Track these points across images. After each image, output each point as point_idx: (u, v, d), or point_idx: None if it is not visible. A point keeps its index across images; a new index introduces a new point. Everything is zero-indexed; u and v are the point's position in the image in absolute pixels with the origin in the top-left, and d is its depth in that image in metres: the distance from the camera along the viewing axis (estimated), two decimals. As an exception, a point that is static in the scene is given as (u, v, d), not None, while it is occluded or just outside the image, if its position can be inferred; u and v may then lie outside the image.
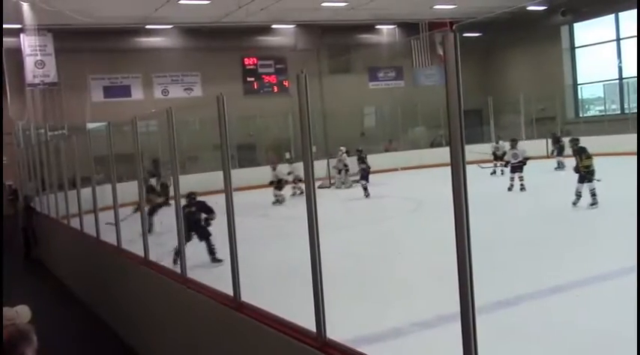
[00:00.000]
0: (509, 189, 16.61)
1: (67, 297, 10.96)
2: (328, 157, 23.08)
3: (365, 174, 19.15)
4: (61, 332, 8.26)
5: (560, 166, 20.94)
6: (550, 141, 23.69)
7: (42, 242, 14.97)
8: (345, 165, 21.56)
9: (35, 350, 2.60)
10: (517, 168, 16.66)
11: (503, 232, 10.50)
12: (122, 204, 8.66)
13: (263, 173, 20.03)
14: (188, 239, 8.83)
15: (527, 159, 16.89)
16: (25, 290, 10.54)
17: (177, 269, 6.27)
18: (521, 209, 13.89)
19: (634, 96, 27.18)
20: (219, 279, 5.51)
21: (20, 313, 2.68)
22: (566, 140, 19.42)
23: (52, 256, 13.85)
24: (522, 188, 16.35)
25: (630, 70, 27.63)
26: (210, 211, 10.15)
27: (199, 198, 10.65)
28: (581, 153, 13.59)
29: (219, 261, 9.65)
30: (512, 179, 16.73)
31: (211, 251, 10.20)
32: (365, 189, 18.44)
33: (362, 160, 19.95)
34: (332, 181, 22.70)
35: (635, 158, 12.82)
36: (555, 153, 22.01)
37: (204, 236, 10.28)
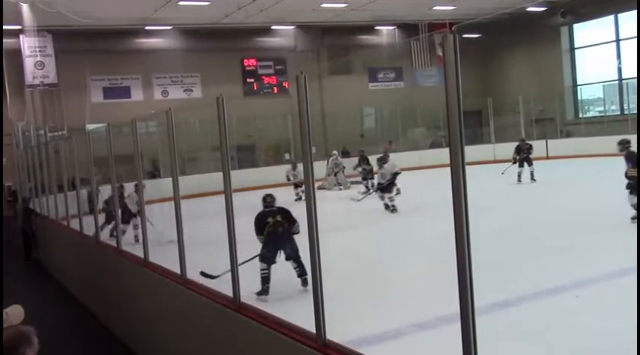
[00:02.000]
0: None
1: (67, 299, 10.95)
2: (328, 158, 23.10)
3: (366, 175, 18.98)
4: (60, 333, 8.27)
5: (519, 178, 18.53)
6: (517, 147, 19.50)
7: (41, 243, 14.96)
8: (343, 167, 21.56)
9: (36, 352, 2.60)
10: (385, 189, 15.03)
11: (504, 232, 10.51)
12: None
13: (263, 174, 20.06)
14: (272, 260, 7.86)
15: (396, 174, 15.21)
16: (24, 292, 10.55)
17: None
18: (521, 210, 13.90)
19: (634, 97, 27.20)
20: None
21: (11, 315, 2.68)
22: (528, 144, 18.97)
23: (51, 257, 13.84)
24: (393, 209, 14.57)
25: (630, 71, 27.64)
26: (294, 221, 8.00)
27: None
28: (632, 158, 10.89)
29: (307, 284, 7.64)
30: (382, 198, 14.92)
31: (303, 272, 7.85)
32: (367, 188, 18.18)
33: (366, 161, 19.81)
34: (323, 183, 22.58)
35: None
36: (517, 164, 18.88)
37: (294, 254, 7.90)
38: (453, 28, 28.34)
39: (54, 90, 24.87)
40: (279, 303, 7.46)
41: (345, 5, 25.10)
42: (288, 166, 19.75)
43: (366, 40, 31.13)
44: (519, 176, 18.00)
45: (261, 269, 7.79)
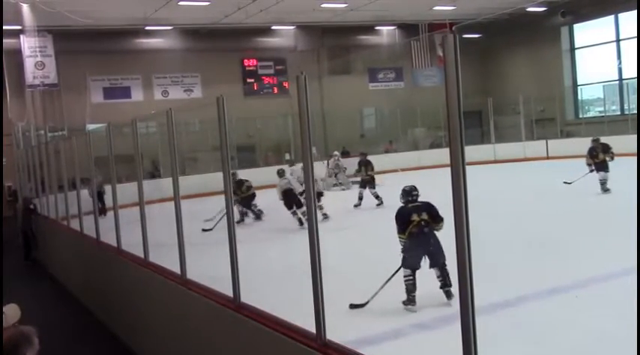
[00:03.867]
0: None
1: (67, 298, 10.95)
2: (328, 158, 23.10)
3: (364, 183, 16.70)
4: (60, 333, 8.27)
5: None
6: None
7: (41, 243, 14.97)
8: (344, 168, 21.52)
9: (36, 352, 2.60)
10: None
11: (504, 233, 10.51)
12: (122, 205, 8.65)
13: (263, 174, 20.01)
14: (417, 265, 6.89)
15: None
16: (24, 292, 10.56)
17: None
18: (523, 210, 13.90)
19: (634, 97, 27.19)
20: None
21: (8, 314, 2.68)
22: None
23: (51, 257, 13.85)
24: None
25: (630, 71, 27.64)
26: (440, 219, 6.82)
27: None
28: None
29: (451, 296, 6.82)
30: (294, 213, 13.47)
31: (446, 283, 6.86)
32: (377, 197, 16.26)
33: (370, 166, 17.25)
34: (322, 185, 22.57)
35: (634, 159, 12.81)
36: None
37: (442, 260, 6.83)
38: (453, 28, 28.35)
39: (54, 91, 24.90)
40: (280, 303, 7.46)
41: (345, 5, 25.12)
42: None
43: (366, 40, 31.15)
44: (603, 185, 14.37)
45: (405, 276, 6.88)
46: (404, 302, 6.84)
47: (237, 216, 13.48)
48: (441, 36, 24.29)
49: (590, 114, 30.62)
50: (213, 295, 5.36)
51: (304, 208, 12.73)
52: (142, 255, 7.18)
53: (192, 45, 27.66)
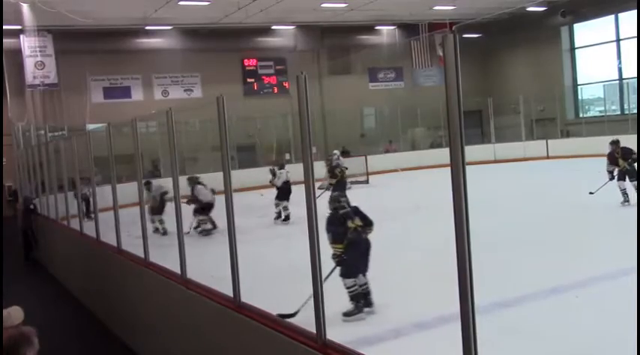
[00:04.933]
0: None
1: (67, 298, 10.95)
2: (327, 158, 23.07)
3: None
4: (60, 333, 8.27)
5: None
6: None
7: (41, 243, 14.97)
8: (345, 168, 21.48)
9: (36, 353, 2.60)
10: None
11: (504, 232, 10.51)
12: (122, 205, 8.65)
13: (263, 174, 19.97)
14: (357, 272, 6.75)
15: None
16: (24, 292, 10.56)
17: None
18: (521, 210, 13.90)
19: (634, 97, 27.20)
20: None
21: (12, 315, 2.68)
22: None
23: (51, 257, 13.85)
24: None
25: (630, 71, 27.65)
26: (370, 222, 6.91)
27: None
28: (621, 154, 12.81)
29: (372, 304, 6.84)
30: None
31: (367, 290, 6.83)
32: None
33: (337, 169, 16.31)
34: (323, 184, 22.58)
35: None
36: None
37: (366, 268, 6.84)
38: (453, 28, 28.36)
39: (54, 91, 24.91)
40: (280, 303, 7.46)
41: (345, 5, 25.12)
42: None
43: (366, 39, 31.16)
44: (625, 195, 12.57)
45: (348, 287, 6.64)
46: (351, 313, 6.56)
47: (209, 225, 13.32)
48: (441, 36, 24.23)
49: (591, 113, 30.61)
50: (213, 295, 5.36)
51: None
52: (141, 255, 7.18)
53: (192, 45, 27.66)
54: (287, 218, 14.18)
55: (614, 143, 13.09)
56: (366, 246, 6.75)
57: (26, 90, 23.84)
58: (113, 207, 8.49)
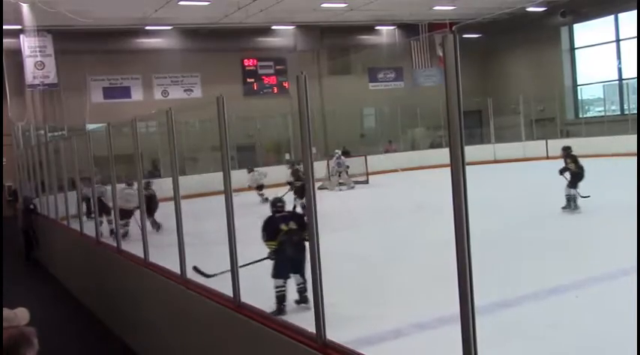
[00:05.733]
0: None
1: (67, 298, 10.95)
2: (328, 158, 23.11)
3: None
4: (60, 333, 8.26)
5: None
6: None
7: (41, 243, 14.97)
8: (347, 167, 21.53)
9: (36, 353, 2.60)
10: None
11: (504, 232, 10.51)
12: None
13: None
14: (288, 275, 7.10)
15: None
16: (24, 292, 10.56)
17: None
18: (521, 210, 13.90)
19: (634, 97, 27.20)
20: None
21: (19, 315, 2.68)
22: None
23: (51, 257, 13.85)
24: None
25: (630, 71, 27.66)
26: (305, 226, 6.73)
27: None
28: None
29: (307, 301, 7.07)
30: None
31: (305, 287, 7.15)
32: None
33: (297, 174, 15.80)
34: (324, 184, 22.64)
35: (634, 159, 12.81)
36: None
37: (302, 269, 7.07)
38: (453, 28, 28.37)
39: (54, 90, 24.91)
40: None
41: (345, 5, 25.12)
42: (250, 174, 19.42)
43: (366, 40, 31.16)
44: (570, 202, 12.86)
45: (276, 287, 7.04)
46: (272, 313, 6.39)
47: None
48: (441, 36, 24.28)
49: (590, 114, 30.63)
50: (213, 295, 5.36)
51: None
52: (141, 255, 7.18)
53: (192, 45, 27.66)
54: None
55: (565, 149, 13.67)
56: (298, 249, 6.99)
57: (26, 90, 23.83)
58: (113, 207, 8.49)
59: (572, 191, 12.75)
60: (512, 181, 19.20)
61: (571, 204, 12.70)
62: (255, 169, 19.81)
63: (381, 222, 13.64)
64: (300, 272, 7.11)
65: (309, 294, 6.04)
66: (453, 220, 2.65)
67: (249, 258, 6.66)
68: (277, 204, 7.57)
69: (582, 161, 15.16)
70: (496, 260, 8.01)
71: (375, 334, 6.21)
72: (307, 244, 6.92)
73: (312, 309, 3.79)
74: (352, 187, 21.37)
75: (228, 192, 4.94)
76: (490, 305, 6.29)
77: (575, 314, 6.49)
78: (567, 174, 12.94)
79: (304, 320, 4.00)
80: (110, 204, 11.70)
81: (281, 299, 6.99)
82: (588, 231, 10.80)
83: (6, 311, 2.65)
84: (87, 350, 8.09)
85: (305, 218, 7.01)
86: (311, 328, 3.80)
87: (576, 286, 7.44)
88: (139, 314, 7.45)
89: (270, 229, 7.20)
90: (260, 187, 18.66)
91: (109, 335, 8.34)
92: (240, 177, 17.90)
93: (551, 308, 6.70)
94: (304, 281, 7.12)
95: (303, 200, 14.42)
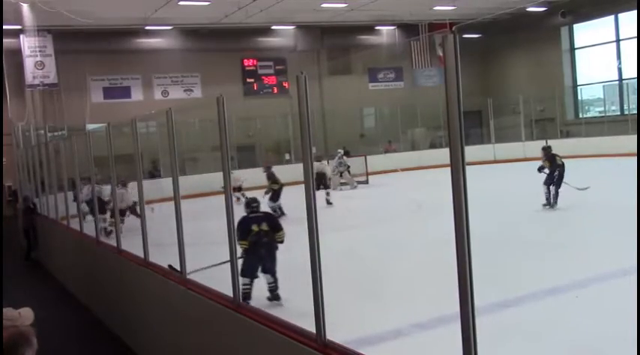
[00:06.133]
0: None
1: (66, 298, 10.96)
2: (328, 158, 23.11)
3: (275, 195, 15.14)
4: (59, 333, 8.27)
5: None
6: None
7: (41, 243, 14.98)
8: (348, 166, 21.53)
9: (35, 353, 2.59)
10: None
11: (503, 232, 10.51)
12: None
13: (263, 174, 19.92)
14: (255, 274, 7.37)
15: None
16: (24, 291, 10.56)
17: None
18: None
19: (634, 98, 27.21)
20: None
21: (23, 315, 2.68)
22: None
23: (51, 257, 13.85)
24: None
25: (630, 71, 27.66)
26: (279, 228, 7.60)
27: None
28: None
29: (279, 298, 7.53)
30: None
31: (276, 287, 7.54)
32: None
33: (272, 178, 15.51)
34: (328, 183, 22.68)
35: (634, 159, 12.82)
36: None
37: (273, 268, 7.48)
38: (453, 28, 28.36)
39: (54, 90, 24.90)
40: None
41: (345, 5, 25.12)
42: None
43: (366, 40, 31.16)
44: (549, 199, 13.42)
45: (243, 285, 7.00)
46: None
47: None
48: (441, 36, 24.27)
49: (590, 114, 30.63)
50: (212, 295, 5.36)
51: (329, 190, 17.24)
52: (141, 255, 7.18)
53: (192, 45, 27.66)
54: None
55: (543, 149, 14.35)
56: (267, 249, 7.38)
57: (26, 90, 23.83)
58: (113, 207, 8.49)
59: (552, 189, 13.29)
60: (512, 181, 19.18)
61: (550, 201, 13.23)
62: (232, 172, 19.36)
63: (380, 222, 13.65)
64: (270, 272, 7.40)
65: (308, 295, 6.12)
66: (452, 220, 2.65)
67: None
68: (252, 204, 7.76)
69: (582, 161, 15.18)
70: (496, 260, 8.01)
71: (375, 334, 6.21)
72: (279, 245, 7.44)
73: (313, 309, 3.79)
74: (355, 187, 21.37)
75: (227, 192, 4.94)
76: (490, 305, 6.30)
77: (575, 314, 6.49)
78: (546, 171, 13.56)
79: (304, 321, 4.00)
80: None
81: (245, 296, 7.00)
82: (587, 231, 10.80)
83: (10, 311, 2.65)
84: (86, 349, 8.09)
85: (275, 218, 7.55)
86: (311, 328, 3.80)
87: (576, 286, 7.45)
88: (139, 313, 7.46)
89: (242, 229, 7.36)
90: (237, 189, 18.03)
91: (108, 335, 8.34)
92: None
93: (550, 308, 6.70)
94: (275, 281, 7.43)
95: (277, 203, 14.68)
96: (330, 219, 13.75)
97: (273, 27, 28.66)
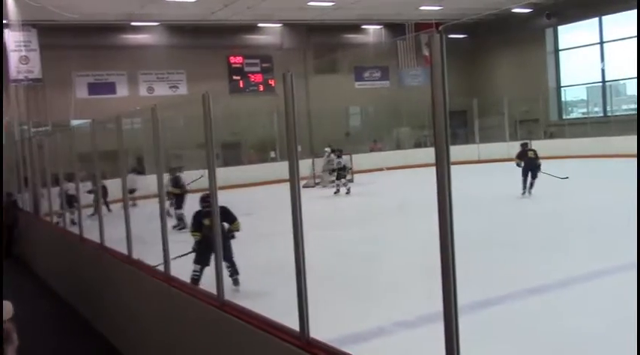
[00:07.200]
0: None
1: (49, 295, 10.88)
2: (313, 156, 23.14)
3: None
4: (42, 330, 8.21)
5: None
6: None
7: (23, 239, 14.85)
8: (344, 167, 21.48)
9: (15, 349, 2.58)
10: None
11: (488, 232, 10.57)
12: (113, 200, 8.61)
13: (247, 172, 19.96)
14: (207, 263, 7.68)
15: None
16: (5, 288, 10.47)
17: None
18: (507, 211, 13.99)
19: (616, 99, 27.50)
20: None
21: (3, 309, 2.66)
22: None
23: (33, 254, 13.74)
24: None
25: (613, 73, 27.91)
26: (233, 219, 8.13)
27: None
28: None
29: (238, 283, 8.25)
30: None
31: (234, 272, 8.23)
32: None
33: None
34: (317, 180, 22.77)
35: (616, 160, 12.93)
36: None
37: (228, 255, 8.00)
38: (439, 28, 28.45)
39: (38, 86, 24.64)
40: (262, 299, 7.47)
41: (331, 4, 25.14)
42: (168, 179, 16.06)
43: (352, 39, 31.18)
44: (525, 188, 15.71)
45: (194, 271, 7.95)
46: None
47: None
48: (427, 36, 24.32)
49: (574, 115, 30.87)
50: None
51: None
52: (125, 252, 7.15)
53: (178, 41, 27.53)
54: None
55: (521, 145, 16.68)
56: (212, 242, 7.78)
57: (10, 84, 23.60)
58: (97, 203, 8.45)
59: (528, 180, 15.38)
60: (496, 181, 19.31)
61: (525, 190, 15.40)
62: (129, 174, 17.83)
63: (365, 220, 13.68)
64: (226, 259, 7.69)
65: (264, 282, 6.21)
66: (437, 219, 2.67)
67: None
68: (207, 199, 7.94)
69: (565, 162, 15.40)
70: (480, 259, 8.06)
71: (359, 332, 6.23)
72: (234, 234, 8.07)
73: (297, 305, 3.80)
74: (349, 184, 21.26)
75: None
76: (473, 303, 6.34)
77: (558, 313, 6.54)
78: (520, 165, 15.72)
79: (288, 318, 4.00)
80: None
81: (194, 282, 7.61)
82: (573, 230, 10.88)
83: None
84: (68, 347, 8.04)
85: (228, 210, 7.83)
86: (295, 326, 3.81)
87: (560, 285, 7.50)
88: (122, 311, 7.42)
89: (195, 222, 8.22)
90: (131, 191, 16.67)
91: (91, 332, 8.29)
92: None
93: (535, 308, 6.75)
94: (231, 265, 8.09)
95: (181, 210, 13.93)
96: (315, 217, 13.74)
97: (260, 24, 28.60)
